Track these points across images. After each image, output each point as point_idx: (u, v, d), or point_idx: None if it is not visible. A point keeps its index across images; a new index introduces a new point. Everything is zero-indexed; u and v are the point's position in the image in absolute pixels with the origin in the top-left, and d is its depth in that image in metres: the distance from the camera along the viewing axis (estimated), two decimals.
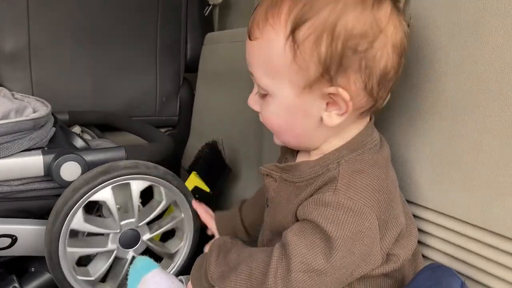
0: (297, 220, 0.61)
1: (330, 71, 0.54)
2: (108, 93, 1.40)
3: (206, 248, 0.81)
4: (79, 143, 0.97)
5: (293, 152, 0.70)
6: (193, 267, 0.71)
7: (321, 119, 0.58)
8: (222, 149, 1.14)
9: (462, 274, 0.66)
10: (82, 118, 1.28)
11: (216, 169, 1.13)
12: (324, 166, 0.60)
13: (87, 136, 1.29)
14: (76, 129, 1.27)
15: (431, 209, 0.69)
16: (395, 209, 0.62)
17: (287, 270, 0.56)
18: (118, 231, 0.89)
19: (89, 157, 0.88)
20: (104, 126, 1.33)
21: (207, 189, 1.10)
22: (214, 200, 1.17)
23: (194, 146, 1.44)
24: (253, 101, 0.66)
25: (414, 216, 0.70)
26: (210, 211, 0.90)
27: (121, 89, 1.42)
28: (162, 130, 1.51)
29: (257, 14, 0.59)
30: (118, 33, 1.40)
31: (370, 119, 0.64)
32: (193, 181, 1.09)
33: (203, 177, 1.10)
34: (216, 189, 1.12)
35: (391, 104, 0.71)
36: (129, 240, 0.89)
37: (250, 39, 0.60)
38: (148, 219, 0.91)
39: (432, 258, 0.70)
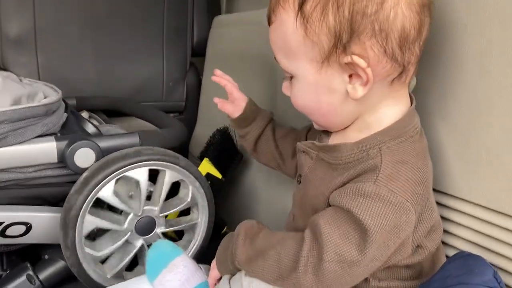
0: (329, 204, 0.60)
1: (342, 39, 0.53)
2: (114, 78, 1.38)
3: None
4: (90, 129, 0.95)
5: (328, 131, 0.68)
6: (219, 248, 0.70)
7: (346, 92, 0.57)
8: (233, 135, 1.12)
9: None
10: (90, 104, 1.26)
11: (228, 155, 1.11)
12: (364, 151, 0.58)
13: (94, 122, 1.27)
14: (84, 114, 1.25)
15: (458, 197, 0.69)
16: (431, 202, 0.62)
17: (319, 259, 0.55)
18: (140, 214, 0.88)
19: (103, 143, 0.86)
20: (110, 112, 1.32)
21: (219, 176, 1.09)
22: (226, 187, 1.17)
23: (202, 132, 1.43)
24: (285, 87, 0.65)
25: (439, 204, 0.69)
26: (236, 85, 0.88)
27: (127, 73, 1.40)
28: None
29: (271, 0, 0.59)
30: (124, 17, 1.37)
31: (412, 102, 0.62)
32: (206, 167, 1.08)
33: (215, 163, 1.09)
34: (228, 176, 1.11)
35: (422, 88, 0.70)
36: (145, 227, 0.88)
37: (269, 24, 0.60)
38: (168, 213, 0.91)
39: (458, 247, 0.70)
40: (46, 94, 0.93)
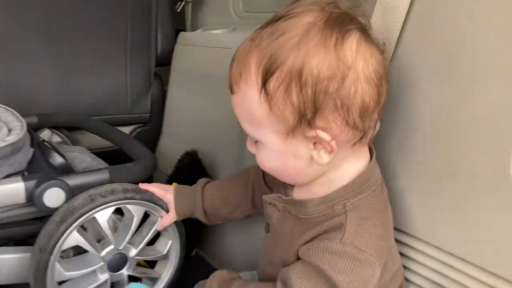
0: (298, 257, 0.64)
1: (306, 116, 0.56)
2: (76, 91, 1.34)
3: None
4: (57, 160, 0.93)
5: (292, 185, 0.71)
6: None
7: (311, 157, 0.60)
8: (203, 158, 1.13)
9: None
10: (53, 121, 1.22)
11: (197, 179, 1.11)
12: (329, 206, 0.62)
13: (56, 138, 1.24)
14: (46, 132, 1.22)
15: (417, 238, 0.73)
16: (393, 251, 0.66)
17: None
18: (120, 248, 0.88)
19: (73, 182, 0.85)
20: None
21: None
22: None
23: (167, 146, 1.43)
24: (250, 145, 0.67)
25: (400, 243, 0.74)
26: (165, 186, 0.90)
27: (90, 87, 1.36)
28: (133, 126, 1.48)
29: (231, 69, 0.61)
30: (86, 29, 1.33)
31: (372, 155, 0.65)
32: None
33: None
34: None
35: (384, 136, 0.73)
36: (117, 263, 0.88)
37: (231, 92, 0.62)
38: (140, 258, 0.91)
39: (418, 283, 0.75)
40: (10, 127, 0.90)
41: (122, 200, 0.85)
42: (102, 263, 0.88)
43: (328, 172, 0.63)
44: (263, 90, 0.56)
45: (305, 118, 0.56)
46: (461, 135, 0.65)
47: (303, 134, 0.57)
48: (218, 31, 1.22)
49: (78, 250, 0.89)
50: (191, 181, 1.09)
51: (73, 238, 0.83)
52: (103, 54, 1.36)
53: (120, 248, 0.88)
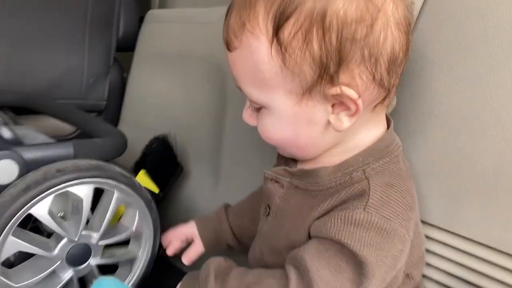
0: (309, 237, 0.54)
1: (329, 70, 0.47)
2: (26, 69, 1.18)
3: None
4: (6, 133, 0.78)
5: None
6: None
7: (328, 122, 0.51)
8: (174, 144, 1.01)
9: None
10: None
11: (167, 167, 0.99)
12: (347, 174, 0.53)
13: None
14: None
15: (437, 227, 0.65)
16: (419, 227, 0.57)
17: None
18: (76, 239, 0.72)
19: (29, 154, 0.70)
20: (18, 109, 1.12)
21: (156, 190, 0.96)
22: (163, 204, 1.04)
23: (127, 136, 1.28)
24: (248, 115, 0.57)
25: None
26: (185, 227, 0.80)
27: (42, 66, 1.20)
28: None
29: (230, 20, 0.51)
30: (41, 2, 1.18)
31: (389, 122, 0.58)
32: (142, 180, 0.94)
33: (153, 176, 0.96)
34: (166, 190, 0.99)
35: (402, 112, 0.66)
36: (78, 256, 0.73)
37: (229, 49, 0.51)
38: (107, 242, 0.76)
39: (433, 277, 0.67)
40: None
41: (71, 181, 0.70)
42: (59, 261, 0.73)
43: (342, 142, 0.55)
44: (274, 40, 0.47)
45: (327, 73, 0.47)
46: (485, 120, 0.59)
47: (323, 93, 0.49)
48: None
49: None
50: (160, 169, 0.97)
51: (10, 244, 0.68)
52: (58, 28, 1.21)
53: (75, 239, 0.73)
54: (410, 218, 0.50)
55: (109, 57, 1.32)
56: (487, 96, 0.58)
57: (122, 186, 0.75)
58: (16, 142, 0.75)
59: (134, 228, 0.80)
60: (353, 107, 0.49)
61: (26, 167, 0.69)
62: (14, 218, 0.65)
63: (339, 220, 0.49)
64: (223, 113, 0.98)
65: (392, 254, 0.48)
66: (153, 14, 1.26)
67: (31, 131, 0.91)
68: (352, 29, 0.46)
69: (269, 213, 0.62)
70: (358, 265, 0.48)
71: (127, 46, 1.35)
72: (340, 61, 0.47)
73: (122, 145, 0.81)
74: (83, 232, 0.73)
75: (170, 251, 0.78)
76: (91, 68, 1.28)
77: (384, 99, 0.52)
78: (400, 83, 0.54)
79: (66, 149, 0.73)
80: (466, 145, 0.60)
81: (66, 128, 1.23)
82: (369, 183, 0.50)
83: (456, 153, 0.62)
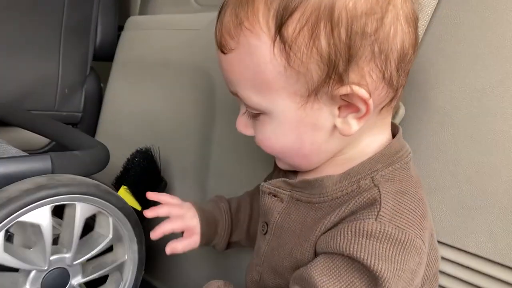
0: (315, 253, 0.49)
1: (338, 68, 0.44)
2: None
3: None
4: None
5: None
6: None
7: (334, 127, 0.47)
8: (157, 158, 0.94)
9: None
10: None
11: (150, 182, 0.93)
12: (354, 182, 0.48)
13: None
14: None
15: (446, 244, 0.61)
16: (434, 239, 0.53)
17: None
18: (46, 268, 0.65)
19: (3, 168, 0.63)
20: None
21: (138, 207, 0.89)
22: (145, 222, 0.98)
23: None
24: (243, 124, 0.53)
25: None
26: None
27: (12, 74, 1.13)
28: None
29: (224, 20, 0.47)
30: (15, 5, 1.10)
31: (397, 129, 0.54)
32: (123, 197, 0.88)
33: (134, 192, 0.89)
34: (148, 207, 0.93)
35: (412, 122, 0.62)
36: (55, 283, 0.66)
37: (223, 52, 0.47)
38: (86, 257, 0.69)
39: None
40: None
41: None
42: (45, 268, 0.66)
43: (346, 149, 0.51)
44: (277, 38, 0.44)
45: (336, 71, 0.44)
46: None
47: (330, 94, 0.45)
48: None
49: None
50: (144, 182, 0.91)
51: None
52: (31, 35, 1.14)
53: (45, 268, 0.65)
54: (425, 228, 0.46)
55: (86, 66, 1.25)
56: (504, 106, 0.55)
57: (84, 196, 0.68)
58: None
59: (111, 235, 0.73)
60: (363, 108, 0.46)
61: (1, 181, 0.62)
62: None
63: (349, 233, 0.44)
64: (210, 124, 0.93)
65: (409, 267, 0.44)
66: (134, 21, 1.20)
67: (1, 143, 0.84)
68: (362, 23, 0.43)
69: (267, 231, 0.57)
70: (373, 281, 0.43)
71: (104, 55, 1.29)
72: (350, 58, 0.44)
73: (104, 158, 0.74)
74: (52, 258, 0.66)
75: (156, 234, 0.68)
76: (66, 77, 1.21)
77: (391, 100, 0.49)
78: (410, 92, 0.51)
79: (43, 162, 0.67)
80: (481, 158, 0.57)
81: (38, 141, 1.16)
82: (379, 191, 0.46)
83: (470, 166, 0.58)
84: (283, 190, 0.55)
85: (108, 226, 0.73)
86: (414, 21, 0.47)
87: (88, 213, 0.70)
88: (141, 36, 1.14)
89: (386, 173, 0.48)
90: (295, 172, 0.58)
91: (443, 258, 0.62)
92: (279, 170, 0.60)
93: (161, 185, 0.95)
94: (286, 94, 0.46)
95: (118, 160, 0.97)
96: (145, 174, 0.92)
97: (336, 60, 0.43)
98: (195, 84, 0.96)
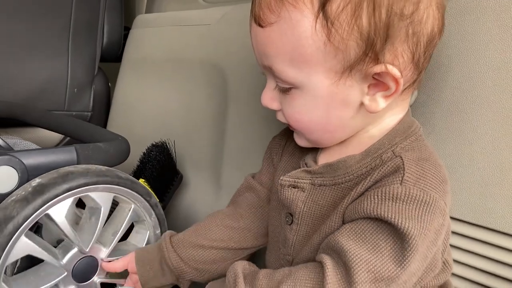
0: (343, 223, 0.51)
1: (375, 46, 0.45)
2: (6, 78, 1.11)
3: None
4: None
5: (314, 152, 0.59)
6: None
7: (361, 104, 0.49)
8: (173, 151, 0.96)
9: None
10: None
11: (167, 176, 0.94)
12: (376, 158, 0.51)
13: None
14: None
15: (459, 220, 0.63)
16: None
17: (349, 282, 0.45)
18: (87, 250, 0.66)
19: (29, 160, 0.64)
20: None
21: (156, 200, 0.91)
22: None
23: None
24: (270, 99, 0.54)
25: None
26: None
27: (23, 75, 1.13)
28: None
29: None
30: (24, 7, 1.11)
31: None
32: None
33: (152, 185, 0.90)
34: (167, 200, 0.94)
35: (425, 103, 0.64)
36: (85, 270, 0.67)
37: (261, 25, 0.48)
38: (115, 259, 0.70)
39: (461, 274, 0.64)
40: None
41: (92, 185, 0.65)
42: (65, 274, 0.66)
43: (368, 127, 0.53)
44: (320, 14, 0.45)
45: (373, 49, 0.45)
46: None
47: (364, 72, 0.47)
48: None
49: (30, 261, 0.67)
50: (160, 178, 0.92)
51: (22, 245, 0.61)
52: (41, 37, 1.15)
53: (86, 250, 0.67)
54: (447, 192, 0.48)
55: (94, 66, 1.26)
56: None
57: (142, 200, 0.71)
58: (10, 149, 0.69)
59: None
60: (393, 86, 0.47)
61: (27, 174, 0.63)
62: (32, 217, 0.59)
63: (375, 197, 0.46)
64: (224, 118, 0.94)
65: (434, 227, 0.46)
66: (142, 19, 1.22)
67: (19, 140, 0.85)
68: (401, 5, 0.45)
69: (292, 221, 0.58)
70: (399, 240, 0.45)
71: (111, 55, 1.30)
72: (387, 38, 0.45)
73: (126, 149, 0.75)
74: (94, 245, 0.67)
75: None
76: (75, 78, 1.22)
77: (414, 82, 0.51)
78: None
79: (68, 154, 0.68)
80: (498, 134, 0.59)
81: (51, 139, 1.17)
82: (402, 159, 0.48)
83: (486, 144, 0.60)
84: (303, 179, 0.56)
85: (143, 239, 0.75)
86: (443, 8, 0.49)
87: (134, 218, 0.73)
88: (150, 34, 1.16)
89: (405, 145, 0.51)
90: (314, 159, 0.59)
91: (463, 235, 0.64)
92: (295, 161, 0.61)
93: (177, 178, 0.96)
94: (321, 69, 0.48)
95: (130, 156, 0.99)
96: (161, 167, 0.93)
97: (374, 38, 0.45)
98: (207, 79, 0.98)
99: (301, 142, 0.58)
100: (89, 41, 1.23)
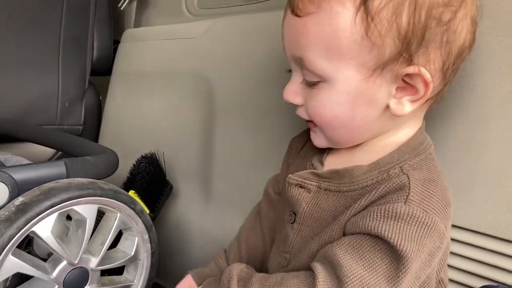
0: (343, 234, 0.51)
1: (410, 47, 0.46)
2: None
3: None
4: None
5: (321, 155, 0.59)
6: None
7: (386, 107, 0.50)
8: (162, 162, 0.97)
9: None
10: None
11: (157, 186, 0.96)
12: (384, 171, 0.51)
13: None
14: None
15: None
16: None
17: None
18: (76, 262, 0.68)
19: (19, 175, 0.66)
20: None
21: (147, 211, 0.92)
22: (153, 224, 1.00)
23: None
24: (292, 92, 0.54)
25: None
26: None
27: (14, 91, 1.15)
28: None
29: None
30: (14, 23, 1.13)
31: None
32: None
33: (143, 196, 0.92)
34: (157, 211, 0.96)
35: None
36: (76, 281, 0.69)
37: (298, 15, 0.49)
38: (105, 267, 0.72)
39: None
40: None
41: (76, 199, 0.67)
42: (56, 286, 0.68)
43: (384, 134, 0.54)
44: (362, 8, 0.46)
45: (408, 50, 0.46)
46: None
47: (396, 72, 0.48)
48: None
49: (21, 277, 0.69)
50: (150, 188, 0.94)
51: (10, 264, 0.63)
52: (31, 52, 1.16)
53: (75, 262, 0.69)
54: (450, 216, 0.49)
55: (84, 80, 1.28)
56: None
57: (126, 208, 0.72)
58: (1, 165, 0.71)
59: (132, 253, 0.76)
60: (422, 90, 0.48)
61: (17, 189, 0.65)
62: (16, 237, 0.61)
63: (378, 214, 0.47)
64: (211, 128, 0.96)
65: (428, 249, 0.46)
66: (130, 33, 1.24)
67: (10, 156, 0.87)
68: (440, 11, 0.45)
69: (295, 220, 0.58)
70: (396, 260, 0.45)
71: (101, 69, 1.32)
72: (422, 41, 0.46)
73: (114, 161, 0.77)
74: (83, 255, 0.69)
75: None
76: (66, 92, 1.23)
77: (437, 93, 0.52)
78: None
79: (58, 168, 0.70)
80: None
81: (43, 154, 1.18)
82: (408, 178, 0.49)
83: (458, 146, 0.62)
84: (310, 181, 0.57)
85: (132, 246, 0.77)
86: (476, 24, 0.50)
87: (121, 226, 0.74)
88: (138, 48, 1.18)
89: (414, 163, 0.51)
90: (321, 163, 0.59)
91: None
92: (300, 163, 0.62)
93: (167, 188, 0.97)
94: (354, 63, 0.48)
95: (121, 168, 1.00)
96: (151, 178, 0.94)
97: (411, 39, 0.46)
98: (194, 90, 1.00)
99: (318, 141, 0.57)
100: (79, 55, 1.25)
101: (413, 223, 0.45)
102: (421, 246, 0.45)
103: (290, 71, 0.55)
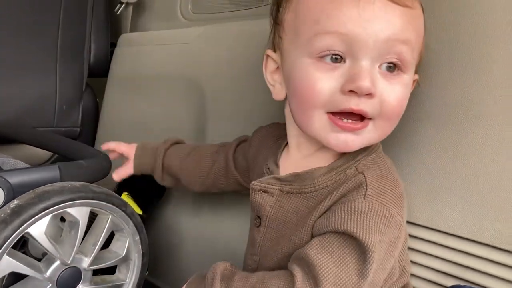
0: (312, 236, 0.55)
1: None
2: None
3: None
4: None
5: (275, 157, 0.64)
6: None
7: None
8: None
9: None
10: None
11: (150, 188, 0.98)
12: (340, 172, 0.55)
13: None
14: None
15: (416, 224, 0.67)
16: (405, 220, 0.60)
17: None
18: (68, 262, 0.71)
19: (14, 179, 0.69)
20: None
21: (139, 211, 0.95)
22: (146, 224, 1.03)
23: None
24: (372, 80, 0.51)
25: None
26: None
27: (12, 93, 1.18)
28: None
29: None
30: (12, 27, 1.16)
31: None
32: None
33: (136, 197, 0.95)
34: (149, 212, 0.98)
35: None
36: (69, 281, 0.72)
37: (398, 4, 0.51)
38: (98, 267, 0.76)
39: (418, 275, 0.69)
40: None
41: (68, 201, 0.70)
42: (50, 285, 0.71)
43: None
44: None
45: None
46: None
47: None
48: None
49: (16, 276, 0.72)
50: (143, 190, 0.97)
51: (5, 264, 0.66)
52: (29, 55, 1.19)
53: (68, 262, 0.72)
54: (403, 206, 0.53)
55: (82, 82, 1.31)
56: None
57: (118, 211, 0.75)
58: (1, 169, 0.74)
59: (123, 254, 0.79)
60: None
61: (13, 192, 0.68)
62: (11, 238, 0.64)
63: (342, 212, 0.51)
64: (203, 130, 0.99)
65: (389, 239, 0.51)
66: (126, 38, 1.27)
67: (8, 158, 0.90)
68: None
69: (260, 223, 0.62)
70: (362, 253, 0.49)
71: (98, 71, 1.35)
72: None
73: (107, 165, 0.80)
74: (76, 255, 0.72)
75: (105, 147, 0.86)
76: (63, 95, 1.26)
77: None
78: None
79: (51, 172, 0.72)
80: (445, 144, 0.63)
81: (40, 156, 1.21)
82: (364, 176, 0.53)
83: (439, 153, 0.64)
84: (272, 185, 0.61)
85: (124, 246, 0.80)
86: None
87: (113, 228, 0.78)
88: (134, 52, 1.21)
89: (367, 161, 0.56)
90: (277, 166, 0.63)
91: (419, 238, 0.68)
92: (262, 167, 0.65)
93: (161, 190, 1.00)
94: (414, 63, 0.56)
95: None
96: (144, 180, 0.97)
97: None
98: (187, 94, 1.03)
99: (354, 143, 0.54)
100: (76, 58, 1.28)
101: (374, 216, 0.50)
102: (382, 236, 0.50)
103: (336, 59, 0.52)
